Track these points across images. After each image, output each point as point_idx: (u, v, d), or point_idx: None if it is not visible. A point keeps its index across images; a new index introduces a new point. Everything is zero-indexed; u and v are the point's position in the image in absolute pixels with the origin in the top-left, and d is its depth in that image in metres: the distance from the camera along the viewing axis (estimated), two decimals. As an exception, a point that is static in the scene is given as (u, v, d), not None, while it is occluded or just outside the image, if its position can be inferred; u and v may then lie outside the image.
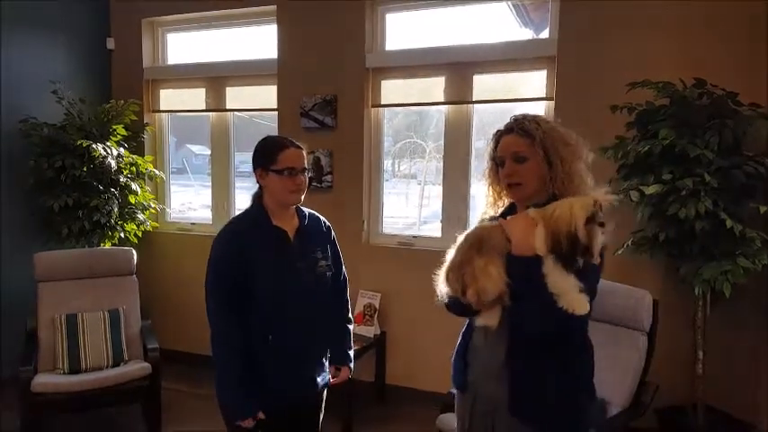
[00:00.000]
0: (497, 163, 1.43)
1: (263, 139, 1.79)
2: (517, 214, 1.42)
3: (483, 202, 1.55)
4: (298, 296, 1.74)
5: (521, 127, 1.38)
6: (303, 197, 1.76)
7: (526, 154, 1.36)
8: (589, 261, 1.27)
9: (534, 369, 1.35)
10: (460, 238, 1.41)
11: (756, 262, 2.29)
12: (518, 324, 1.34)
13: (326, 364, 1.90)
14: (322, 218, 1.91)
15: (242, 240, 1.71)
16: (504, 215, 1.48)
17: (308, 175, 1.76)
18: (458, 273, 1.36)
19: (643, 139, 2.49)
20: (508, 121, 1.44)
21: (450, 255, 1.40)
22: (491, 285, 1.31)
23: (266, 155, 1.72)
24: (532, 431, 1.36)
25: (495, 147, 1.44)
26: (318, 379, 1.85)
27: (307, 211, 1.85)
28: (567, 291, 1.26)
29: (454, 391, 2.39)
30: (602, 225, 1.25)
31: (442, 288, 1.42)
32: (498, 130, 1.45)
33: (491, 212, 1.53)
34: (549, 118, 1.45)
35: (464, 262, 1.36)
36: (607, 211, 1.28)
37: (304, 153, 1.75)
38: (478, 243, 1.36)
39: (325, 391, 1.92)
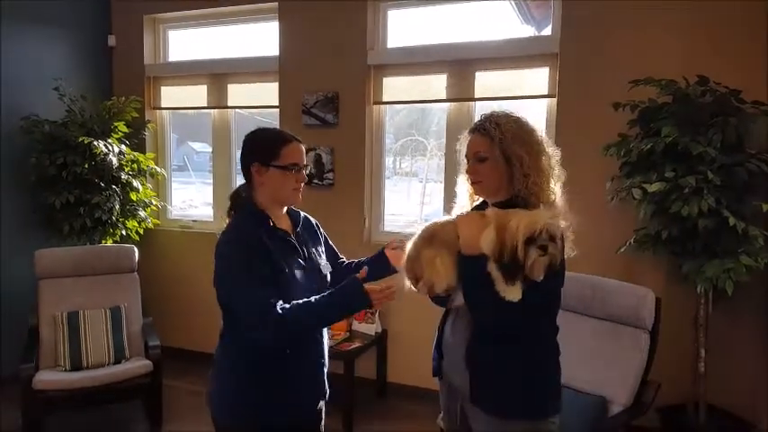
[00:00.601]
0: (467, 161, 1.53)
1: (257, 131, 1.62)
2: (472, 212, 1.48)
3: (462, 197, 1.63)
4: None
5: (482, 127, 1.46)
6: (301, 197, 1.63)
7: (485, 154, 1.45)
8: (528, 278, 1.33)
9: (492, 359, 1.43)
10: (417, 232, 1.50)
11: (759, 260, 2.28)
12: (472, 316, 1.44)
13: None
14: (309, 216, 1.77)
15: (258, 247, 1.48)
16: (478, 208, 1.56)
17: (307, 170, 1.62)
18: (410, 264, 1.47)
19: (646, 136, 2.48)
20: (474, 123, 1.52)
21: (408, 247, 1.50)
22: (436, 278, 1.41)
23: (266, 148, 1.55)
24: (493, 418, 1.43)
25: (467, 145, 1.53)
26: (326, 387, 1.73)
27: (297, 210, 1.70)
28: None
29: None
30: (542, 248, 1.30)
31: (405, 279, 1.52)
32: (469, 129, 1.53)
33: (468, 207, 1.61)
34: (517, 116, 1.49)
35: (416, 255, 1.45)
36: (556, 232, 1.33)
37: (303, 147, 1.60)
38: (430, 237, 1.45)
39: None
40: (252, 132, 1.62)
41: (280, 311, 1.41)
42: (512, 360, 1.42)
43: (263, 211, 1.57)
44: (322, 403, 1.71)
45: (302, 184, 1.59)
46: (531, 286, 1.34)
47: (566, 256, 1.43)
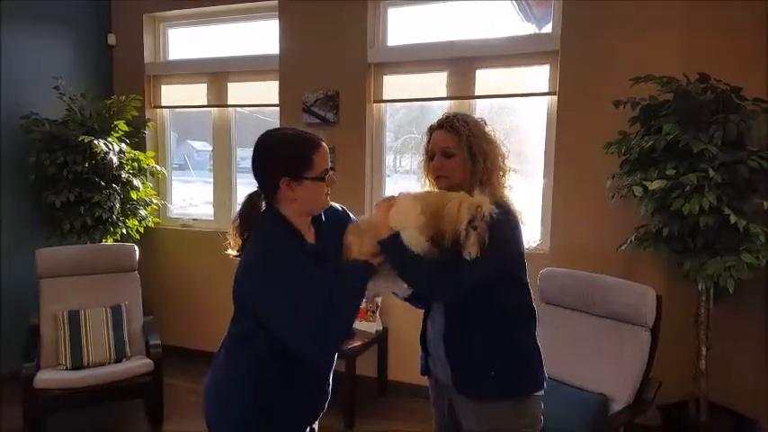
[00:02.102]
0: (429, 156, 1.57)
1: (278, 137, 1.40)
2: (398, 198, 1.48)
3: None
4: None
5: (450, 124, 1.52)
6: None
7: (453, 150, 1.51)
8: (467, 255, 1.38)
9: (466, 348, 1.52)
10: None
11: (760, 257, 2.28)
12: (424, 297, 1.55)
13: None
14: (335, 205, 1.58)
15: (293, 277, 1.34)
16: None
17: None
18: (345, 255, 1.48)
19: (646, 134, 2.47)
20: (441, 117, 1.58)
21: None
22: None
23: (298, 159, 1.35)
24: (480, 403, 1.52)
25: (429, 140, 1.58)
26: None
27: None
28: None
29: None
30: (475, 228, 1.37)
31: None
32: (431, 126, 1.58)
33: None
34: (475, 117, 1.59)
35: (345, 244, 1.49)
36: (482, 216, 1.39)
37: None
38: (357, 225, 1.53)
39: None
40: (270, 138, 1.40)
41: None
42: (483, 343, 1.51)
43: (292, 224, 1.40)
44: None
45: (334, 184, 1.45)
46: (465, 264, 1.38)
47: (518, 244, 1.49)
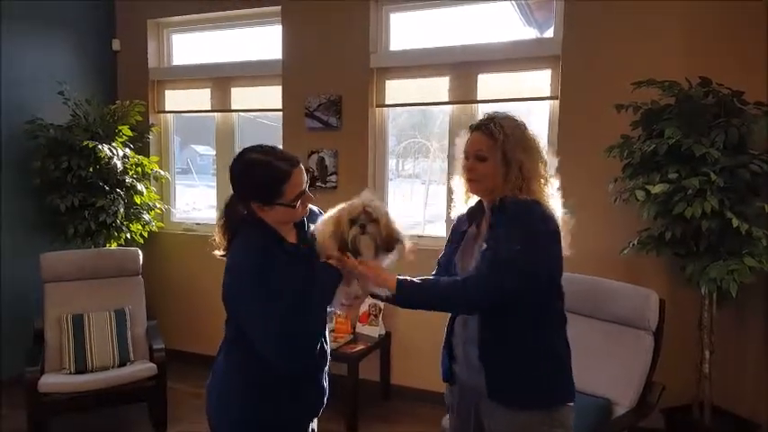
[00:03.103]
0: (465, 157, 1.53)
1: (248, 165, 1.40)
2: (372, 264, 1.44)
3: (456, 197, 1.64)
4: None
5: (486, 127, 1.47)
6: None
7: (486, 154, 1.46)
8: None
9: (502, 352, 1.46)
10: None
11: (763, 261, 2.28)
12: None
13: None
14: (314, 209, 1.60)
15: (274, 280, 1.36)
16: (471, 214, 1.59)
17: (308, 181, 1.47)
18: None
19: (648, 138, 2.48)
20: (482, 117, 1.53)
21: None
22: None
23: (266, 189, 1.38)
24: (510, 411, 1.46)
25: (467, 141, 1.54)
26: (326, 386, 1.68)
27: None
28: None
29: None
30: (361, 227, 1.40)
31: None
32: (471, 125, 1.54)
33: (462, 208, 1.63)
34: (520, 120, 1.51)
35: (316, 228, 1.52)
36: (378, 212, 1.42)
37: (301, 165, 1.43)
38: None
39: None
40: (242, 163, 1.41)
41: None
42: (521, 348, 1.46)
43: (273, 229, 1.43)
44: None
45: (312, 199, 1.47)
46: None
47: (564, 254, 1.48)
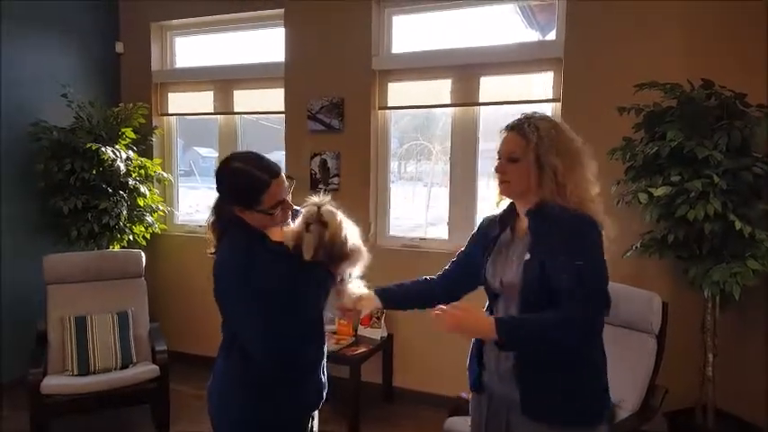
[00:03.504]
0: (498, 158, 1.48)
1: (230, 172, 1.45)
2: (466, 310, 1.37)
3: (494, 196, 1.57)
4: None
5: (520, 127, 1.41)
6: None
7: (518, 155, 1.40)
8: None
9: (541, 368, 1.38)
10: None
11: (766, 264, 2.27)
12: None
13: None
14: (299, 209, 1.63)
15: (256, 278, 1.41)
16: (503, 218, 1.53)
17: (291, 188, 1.49)
18: None
19: (651, 140, 2.48)
20: (518, 117, 1.46)
21: None
22: None
23: (245, 196, 1.43)
24: (545, 428, 1.38)
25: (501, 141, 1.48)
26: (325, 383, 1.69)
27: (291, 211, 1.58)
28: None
29: (464, 395, 2.40)
30: (306, 226, 1.44)
31: None
32: (507, 125, 1.47)
33: (496, 210, 1.57)
34: (558, 122, 1.45)
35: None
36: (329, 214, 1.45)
37: (283, 174, 1.46)
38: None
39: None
40: (225, 170, 1.46)
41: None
42: (561, 362, 1.38)
43: (257, 231, 1.48)
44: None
45: (293, 208, 1.51)
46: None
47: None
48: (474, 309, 1.37)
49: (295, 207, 1.58)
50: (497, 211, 1.57)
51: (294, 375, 1.51)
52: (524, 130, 1.40)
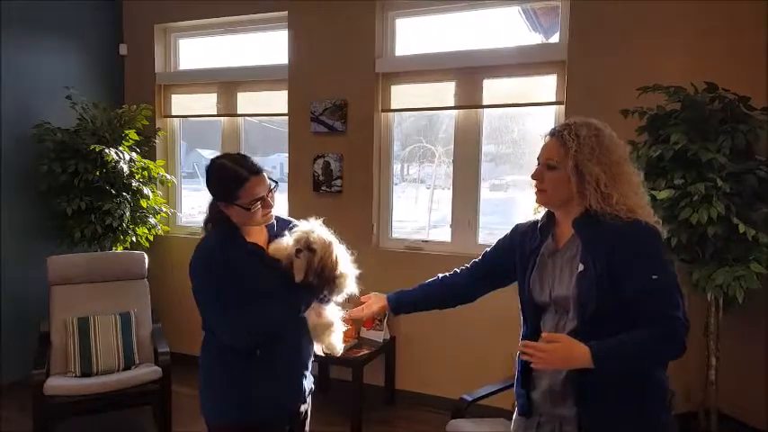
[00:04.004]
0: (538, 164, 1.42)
1: (215, 167, 1.57)
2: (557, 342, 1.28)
3: (532, 203, 1.54)
4: None
5: (560, 134, 1.36)
6: (273, 216, 1.63)
7: (556, 163, 1.35)
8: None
9: (600, 384, 1.30)
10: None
11: (769, 267, 2.27)
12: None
13: (309, 372, 1.75)
14: (293, 221, 1.71)
15: (222, 269, 1.52)
16: (543, 227, 1.46)
17: (275, 190, 1.58)
18: None
19: (654, 143, 2.47)
20: (562, 122, 1.44)
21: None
22: None
23: (225, 190, 1.54)
24: None
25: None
26: (306, 387, 1.72)
27: (274, 219, 1.66)
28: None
29: (467, 397, 2.40)
30: (297, 252, 1.53)
31: None
32: (549, 130, 1.43)
33: (533, 216, 1.53)
34: (602, 128, 1.36)
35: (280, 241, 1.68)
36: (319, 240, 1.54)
37: (265, 175, 1.56)
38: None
39: (310, 398, 1.78)
40: (211, 167, 1.59)
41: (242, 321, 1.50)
42: (625, 383, 1.31)
43: (235, 226, 1.59)
44: (305, 406, 1.73)
45: (272, 208, 1.59)
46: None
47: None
48: (564, 337, 1.27)
49: (286, 218, 1.74)
50: (531, 217, 1.52)
51: (263, 372, 1.57)
52: (564, 137, 1.34)
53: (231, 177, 1.53)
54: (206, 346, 1.65)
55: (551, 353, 1.24)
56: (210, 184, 1.59)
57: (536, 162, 1.43)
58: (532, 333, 1.43)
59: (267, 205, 1.57)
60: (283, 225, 1.69)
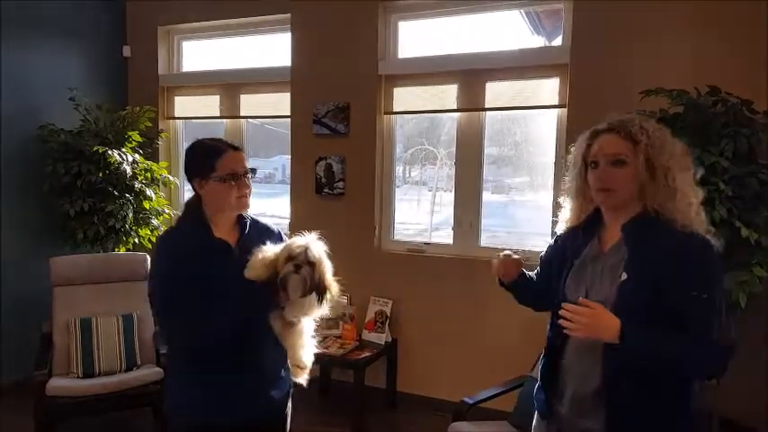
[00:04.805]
0: (587, 164, 1.34)
1: (195, 144, 1.62)
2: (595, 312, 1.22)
3: (565, 212, 1.46)
4: None
5: (625, 129, 1.29)
6: (249, 203, 1.60)
7: (626, 158, 1.27)
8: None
9: (633, 398, 1.25)
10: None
11: (773, 271, 2.26)
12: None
13: (287, 375, 1.69)
14: (270, 225, 1.70)
15: (181, 256, 1.51)
16: (586, 228, 1.39)
17: (251, 178, 1.58)
18: None
19: (657, 147, 2.47)
20: (607, 121, 1.34)
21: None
22: None
23: (202, 162, 1.55)
24: None
25: (588, 147, 1.35)
26: (278, 393, 1.65)
27: (250, 218, 1.64)
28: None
29: (468, 400, 2.40)
30: (296, 267, 1.45)
31: None
32: (594, 129, 1.35)
33: (572, 222, 1.44)
34: (657, 124, 1.32)
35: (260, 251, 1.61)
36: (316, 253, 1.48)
37: (244, 154, 1.59)
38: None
39: (289, 403, 1.72)
40: (190, 145, 1.63)
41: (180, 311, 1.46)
42: (654, 399, 1.25)
43: (205, 220, 1.58)
44: (289, 405, 1.69)
45: (248, 191, 1.57)
46: None
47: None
48: (598, 306, 1.21)
49: (263, 222, 1.69)
50: (572, 219, 1.44)
51: (218, 375, 1.54)
52: (632, 131, 1.27)
53: (209, 149, 1.57)
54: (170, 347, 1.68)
55: (589, 317, 1.20)
56: (189, 162, 1.59)
57: (576, 166, 1.36)
58: (556, 337, 1.37)
59: (243, 186, 1.55)
60: (259, 230, 1.64)
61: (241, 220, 1.63)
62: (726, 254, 2.33)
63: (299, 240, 1.51)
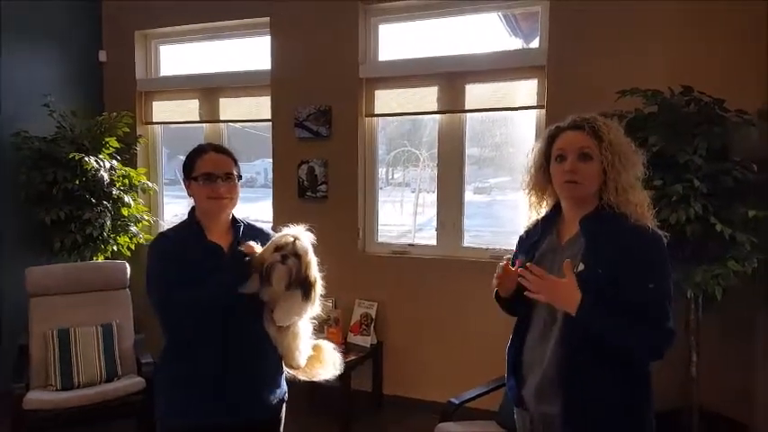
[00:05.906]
0: (548, 159, 1.40)
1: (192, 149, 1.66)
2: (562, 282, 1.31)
3: (525, 207, 1.52)
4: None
5: (591, 125, 1.35)
6: (229, 206, 1.60)
7: (592, 153, 1.34)
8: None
9: (588, 382, 1.32)
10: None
11: (746, 265, 2.32)
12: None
13: (281, 379, 1.71)
14: (266, 229, 1.71)
15: (173, 258, 1.55)
16: (545, 221, 1.47)
17: (235, 182, 1.59)
18: None
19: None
20: (571, 119, 1.40)
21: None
22: None
23: (187, 164, 1.61)
24: None
25: (551, 143, 1.40)
26: (271, 397, 1.65)
27: (244, 223, 1.66)
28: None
29: (454, 400, 2.41)
30: (283, 257, 1.47)
31: None
32: (557, 126, 1.41)
33: (534, 216, 1.51)
34: (614, 123, 1.40)
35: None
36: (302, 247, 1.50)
37: (229, 158, 1.60)
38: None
39: (284, 407, 1.73)
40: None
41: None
42: (614, 380, 1.32)
43: (198, 222, 1.61)
44: (284, 409, 1.70)
45: (223, 193, 1.56)
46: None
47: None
48: (570, 278, 1.29)
49: (258, 226, 1.70)
50: (534, 215, 1.50)
51: (210, 378, 1.55)
52: (597, 129, 1.34)
53: (195, 150, 1.62)
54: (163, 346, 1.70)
55: (549, 282, 1.29)
56: (182, 166, 1.64)
57: (537, 163, 1.43)
58: (521, 324, 1.47)
59: (217, 187, 1.55)
60: (254, 234, 1.64)
61: (235, 224, 1.65)
62: (701, 248, 2.41)
63: (289, 231, 1.52)
